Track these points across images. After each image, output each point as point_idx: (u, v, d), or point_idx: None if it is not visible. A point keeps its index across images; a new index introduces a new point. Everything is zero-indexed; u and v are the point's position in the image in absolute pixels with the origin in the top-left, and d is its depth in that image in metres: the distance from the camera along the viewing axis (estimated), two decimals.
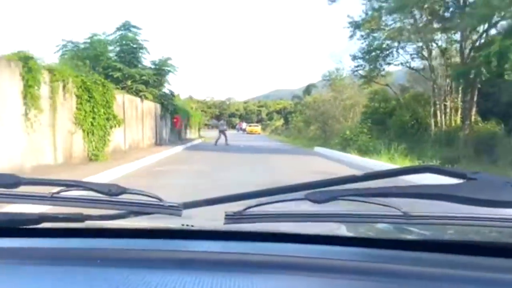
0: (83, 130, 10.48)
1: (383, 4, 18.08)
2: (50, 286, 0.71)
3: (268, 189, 0.77)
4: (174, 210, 0.79)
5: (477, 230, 0.95)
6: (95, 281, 0.71)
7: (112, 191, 0.78)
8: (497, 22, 15.00)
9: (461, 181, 0.70)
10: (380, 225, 0.99)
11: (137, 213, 0.82)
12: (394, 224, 0.88)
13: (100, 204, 0.80)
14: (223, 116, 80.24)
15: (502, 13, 14.25)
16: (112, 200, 0.79)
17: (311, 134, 29.47)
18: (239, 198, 0.78)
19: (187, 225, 0.96)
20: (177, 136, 24.32)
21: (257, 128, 57.21)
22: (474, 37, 16.39)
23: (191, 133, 33.33)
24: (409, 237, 0.98)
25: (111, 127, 11.92)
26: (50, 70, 8.90)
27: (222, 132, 21.57)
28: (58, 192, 0.80)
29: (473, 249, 0.80)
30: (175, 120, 22.77)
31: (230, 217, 0.76)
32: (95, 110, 10.88)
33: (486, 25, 15.46)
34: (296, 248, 0.84)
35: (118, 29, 18.28)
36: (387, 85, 20.97)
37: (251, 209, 0.77)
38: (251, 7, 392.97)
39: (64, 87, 9.49)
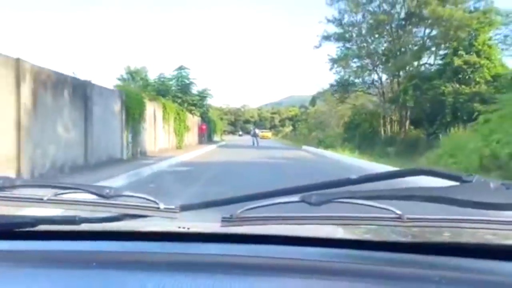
0: (175, 133, 20.67)
1: (352, 48, 27.96)
2: None
3: (264, 192, 0.77)
4: (171, 212, 0.78)
5: (472, 232, 0.92)
6: (91, 284, 0.71)
7: (108, 193, 0.77)
8: (410, 71, 24.72)
9: (456, 183, 0.70)
10: (375, 227, 0.99)
11: (134, 216, 0.82)
12: (390, 226, 0.85)
13: (97, 206, 0.79)
14: (238, 122, 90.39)
15: (410, 65, 24.11)
16: (108, 203, 0.78)
17: (312, 140, 36.00)
18: (236, 201, 0.78)
19: (184, 228, 0.96)
20: (208, 139, 34.55)
21: (268, 133, 66.23)
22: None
23: (216, 137, 43.32)
24: (405, 239, 0.96)
25: (184, 132, 22.11)
26: (168, 106, 19.09)
27: (254, 136, 30.44)
28: (54, 195, 0.79)
29: (468, 251, 0.80)
30: (203, 127, 30.78)
31: (227, 220, 0.75)
32: (180, 123, 21.09)
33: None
34: (293, 251, 0.84)
35: (176, 69, 29.03)
36: (354, 105, 30.60)
37: (247, 212, 0.76)
38: (264, 18, 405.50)
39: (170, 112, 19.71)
